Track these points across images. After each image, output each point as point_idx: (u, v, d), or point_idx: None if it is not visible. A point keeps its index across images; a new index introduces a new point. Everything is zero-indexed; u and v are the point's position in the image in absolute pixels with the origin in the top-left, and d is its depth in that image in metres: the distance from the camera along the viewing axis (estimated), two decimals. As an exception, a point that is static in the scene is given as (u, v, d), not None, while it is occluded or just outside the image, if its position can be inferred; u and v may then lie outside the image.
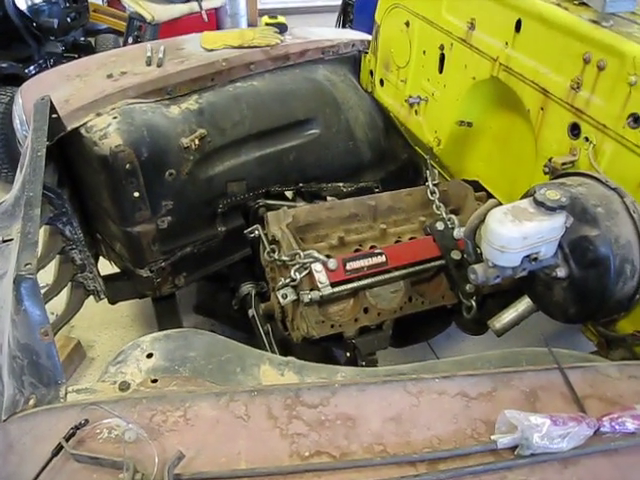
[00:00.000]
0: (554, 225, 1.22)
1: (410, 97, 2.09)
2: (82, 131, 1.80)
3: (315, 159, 2.18)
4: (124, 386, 1.02)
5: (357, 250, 1.73)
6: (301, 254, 1.61)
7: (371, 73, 2.33)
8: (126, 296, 2.18)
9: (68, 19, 3.44)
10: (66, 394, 1.02)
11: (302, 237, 1.78)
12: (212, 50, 2.12)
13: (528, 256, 1.25)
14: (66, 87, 1.95)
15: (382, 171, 2.38)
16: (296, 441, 0.90)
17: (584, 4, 1.42)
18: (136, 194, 1.85)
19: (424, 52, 1.99)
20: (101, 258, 2.18)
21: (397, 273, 1.66)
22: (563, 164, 1.46)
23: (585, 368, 1.06)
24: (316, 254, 1.61)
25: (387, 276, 1.65)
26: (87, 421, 0.91)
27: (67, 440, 0.88)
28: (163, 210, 1.93)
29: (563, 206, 1.21)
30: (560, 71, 1.47)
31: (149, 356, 1.09)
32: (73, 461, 0.88)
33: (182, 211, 1.97)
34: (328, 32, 2.49)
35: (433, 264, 1.71)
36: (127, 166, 1.79)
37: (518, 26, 1.58)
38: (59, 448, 0.88)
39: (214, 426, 0.92)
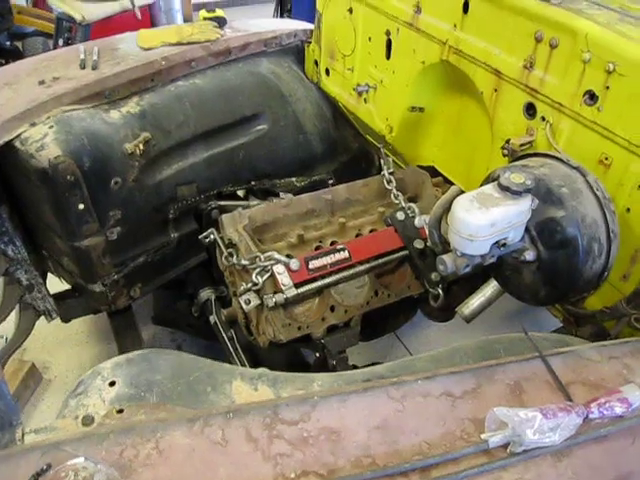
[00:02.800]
0: (521, 209, 1.19)
1: (358, 85, 2.04)
2: (16, 144, 1.69)
3: (265, 155, 2.11)
4: (87, 420, 0.94)
5: (318, 247, 1.68)
6: (261, 257, 1.55)
7: (316, 63, 2.27)
8: (79, 313, 2.08)
9: (-10, 22, 3.25)
10: (23, 436, 0.94)
11: (260, 238, 1.72)
12: (149, 49, 2.02)
13: (497, 242, 1.23)
14: (-4, 98, 1.82)
15: (334, 163, 2.33)
16: (280, 462, 0.85)
17: (531, -19, 1.40)
18: (81, 206, 1.74)
19: (370, 39, 1.95)
20: (50, 275, 2.06)
21: (361, 268, 1.62)
22: (521, 145, 1.45)
23: (566, 354, 1.04)
24: (277, 255, 1.55)
25: (351, 272, 1.61)
26: (50, 466, 0.83)
27: (30, 490, 0.80)
28: (111, 221, 1.83)
29: (529, 189, 1.18)
30: (512, 51, 1.44)
31: (112, 384, 1.01)
32: (39, 515, 0.80)
33: (131, 220, 1.87)
34: (269, 23, 2.41)
35: (397, 255, 1.67)
36: (69, 177, 1.69)
37: (466, 7, 1.55)
38: (22, 500, 0.80)
39: (190, 455, 0.86)
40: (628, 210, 1.29)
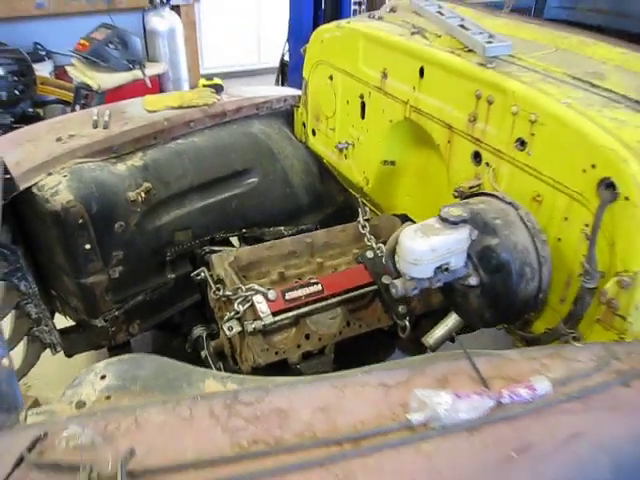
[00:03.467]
0: (458, 237, 1.39)
1: (339, 143, 2.29)
2: (34, 190, 1.92)
3: (256, 205, 2.34)
4: (80, 405, 1.12)
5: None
6: (243, 288, 1.75)
7: (304, 124, 2.53)
8: (82, 348, 2.25)
9: (16, 91, 3.59)
10: (26, 418, 1.11)
11: (245, 275, 1.92)
12: (154, 111, 2.29)
13: (440, 267, 1.42)
14: (17, 151, 2.07)
15: (320, 214, 2.55)
16: (236, 434, 1.02)
17: (471, 51, 1.65)
18: (88, 246, 1.96)
19: (347, 102, 2.21)
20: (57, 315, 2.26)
21: (333, 300, 1.81)
22: (470, 188, 1.66)
23: (491, 355, 1.21)
24: (257, 287, 1.75)
25: (324, 303, 1.79)
26: (46, 434, 1.00)
27: (28, 451, 0.97)
28: (114, 260, 2.05)
29: (465, 220, 1.39)
30: (459, 107, 1.68)
31: (103, 377, 1.20)
32: (35, 471, 0.97)
33: (132, 260, 2.09)
34: (262, 90, 2.70)
35: (366, 290, 1.86)
36: (78, 220, 1.91)
37: (422, 72, 1.80)
38: (20, 459, 0.97)
39: (162, 428, 1.03)
40: (559, 240, 1.48)
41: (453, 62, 1.67)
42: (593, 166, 1.32)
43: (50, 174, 1.96)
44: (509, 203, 1.47)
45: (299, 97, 2.54)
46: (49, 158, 2.00)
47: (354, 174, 2.27)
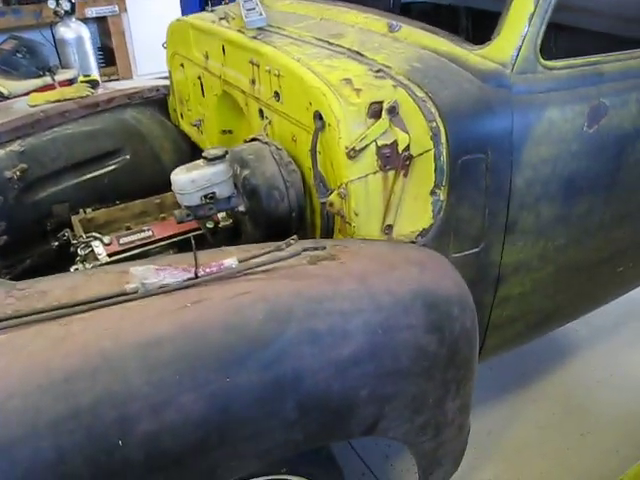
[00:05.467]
0: (215, 171, 1.75)
1: (194, 121, 2.66)
2: None
3: (127, 180, 2.71)
4: None
5: (140, 235, 2.24)
6: (84, 236, 2.11)
7: (175, 110, 2.91)
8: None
9: None
10: None
11: (101, 232, 2.28)
12: (35, 105, 2.67)
13: (206, 196, 1.78)
14: None
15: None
16: (5, 307, 1.36)
17: (246, 27, 2.03)
18: None
19: (194, 84, 2.58)
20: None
21: (162, 243, 2.16)
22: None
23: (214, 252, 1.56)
24: (95, 234, 2.11)
25: (154, 246, 2.15)
26: None
27: None
28: (-1, 230, 2.43)
29: (219, 157, 1.75)
30: (245, 74, 2.04)
31: None
32: None
33: (15, 230, 2.46)
34: (136, 83, 3.08)
35: (194, 233, 2.21)
36: None
37: (224, 50, 2.17)
38: None
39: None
40: (310, 168, 1.83)
41: (235, 38, 2.05)
42: (310, 103, 1.67)
43: None
44: (265, 143, 1.84)
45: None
46: None
47: (206, 145, 2.64)
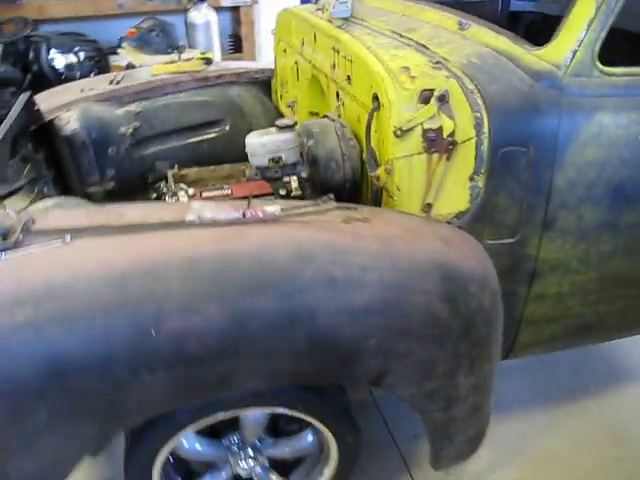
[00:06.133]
0: (284, 138, 2.00)
1: (289, 102, 2.93)
2: (55, 121, 2.74)
3: (223, 149, 3.02)
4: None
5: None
6: (172, 186, 2.43)
7: (276, 92, 3.20)
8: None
9: (92, 74, 4.58)
10: None
11: (189, 186, 2.59)
12: (156, 75, 3.06)
13: (273, 159, 2.02)
14: (53, 98, 2.92)
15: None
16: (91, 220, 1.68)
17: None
18: (88, 163, 2.74)
19: (291, 68, 2.85)
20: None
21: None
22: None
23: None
24: (183, 186, 2.42)
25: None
26: None
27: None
28: (108, 176, 2.81)
29: (289, 126, 1.99)
30: (328, 59, 2.27)
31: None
32: None
33: (121, 179, 2.84)
34: (247, 64, 3.40)
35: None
36: (81, 143, 2.70)
37: (315, 37, 2.41)
38: None
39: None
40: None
41: (323, 26, 2.28)
42: (371, 86, 1.87)
43: (68, 111, 2.77)
44: (332, 120, 2.05)
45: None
46: (70, 100, 2.82)
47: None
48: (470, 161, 1.77)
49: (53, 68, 4.43)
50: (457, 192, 1.81)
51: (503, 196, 1.82)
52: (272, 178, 2.10)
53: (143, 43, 4.55)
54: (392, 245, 1.60)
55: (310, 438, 2.05)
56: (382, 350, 1.59)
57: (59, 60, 4.48)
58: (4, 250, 1.58)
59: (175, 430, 1.79)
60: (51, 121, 2.73)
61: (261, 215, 1.63)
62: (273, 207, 1.65)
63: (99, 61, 4.72)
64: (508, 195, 1.82)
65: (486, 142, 1.74)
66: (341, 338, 1.52)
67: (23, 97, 2.59)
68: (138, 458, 1.85)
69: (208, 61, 3.16)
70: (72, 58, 4.58)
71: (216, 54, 4.84)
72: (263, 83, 3.25)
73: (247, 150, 2.03)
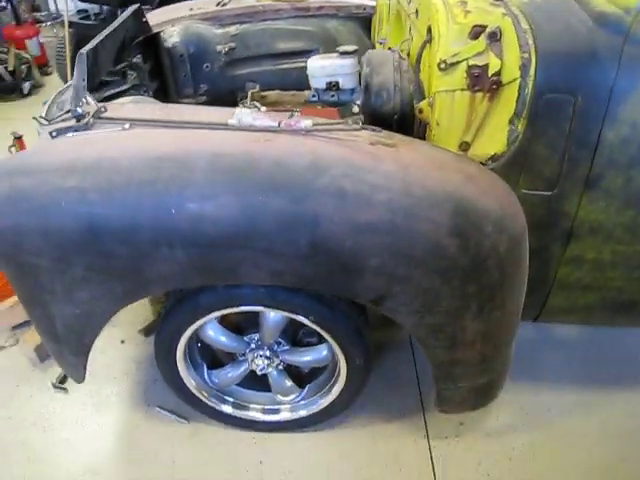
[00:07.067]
0: (343, 63, 2.08)
1: (380, 39, 2.97)
2: (161, 34, 2.98)
3: (310, 78, 3.14)
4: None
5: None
6: (248, 102, 2.59)
7: (374, 29, 3.23)
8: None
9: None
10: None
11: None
12: (260, 1, 3.21)
13: (330, 83, 2.11)
14: (164, 14, 3.17)
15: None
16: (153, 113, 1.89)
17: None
18: (184, 75, 2.97)
19: (387, 6, 2.87)
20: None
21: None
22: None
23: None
24: (256, 104, 2.57)
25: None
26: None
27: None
28: (201, 90, 3.04)
29: (349, 52, 2.06)
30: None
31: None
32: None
33: (213, 94, 3.05)
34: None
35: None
36: (180, 56, 2.93)
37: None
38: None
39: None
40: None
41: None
42: (428, 19, 1.89)
43: (173, 26, 3.00)
44: (393, 51, 2.10)
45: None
46: (176, 17, 3.05)
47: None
48: (511, 103, 1.75)
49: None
50: (495, 134, 1.80)
51: (543, 145, 1.78)
52: (328, 102, 2.19)
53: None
54: (408, 171, 1.65)
55: (324, 353, 2.18)
56: (384, 271, 1.64)
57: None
58: (76, 130, 1.83)
59: (199, 314, 2.00)
60: (158, 34, 2.98)
61: (293, 126, 1.74)
62: (306, 121, 1.75)
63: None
64: (549, 144, 1.78)
65: (530, 85, 1.71)
66: (343, 249, 1.60)
67: (131, 8, 2.84)
68: (166, 334, 2.09)
69: (312, -8, 3.25)
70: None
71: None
72: (362, 19, 3.29)
73: (308, 72, 2.13)
